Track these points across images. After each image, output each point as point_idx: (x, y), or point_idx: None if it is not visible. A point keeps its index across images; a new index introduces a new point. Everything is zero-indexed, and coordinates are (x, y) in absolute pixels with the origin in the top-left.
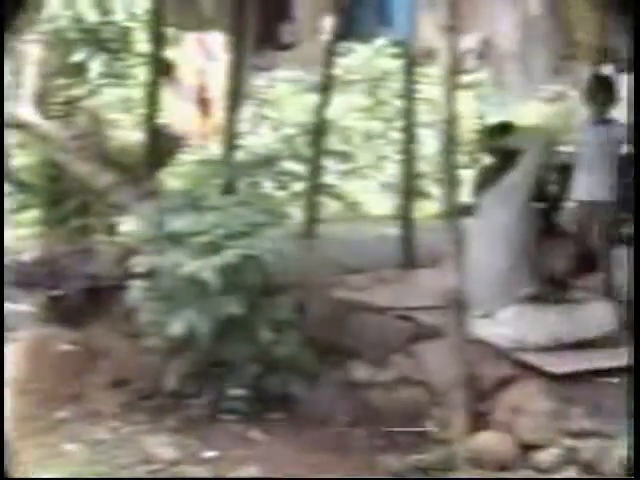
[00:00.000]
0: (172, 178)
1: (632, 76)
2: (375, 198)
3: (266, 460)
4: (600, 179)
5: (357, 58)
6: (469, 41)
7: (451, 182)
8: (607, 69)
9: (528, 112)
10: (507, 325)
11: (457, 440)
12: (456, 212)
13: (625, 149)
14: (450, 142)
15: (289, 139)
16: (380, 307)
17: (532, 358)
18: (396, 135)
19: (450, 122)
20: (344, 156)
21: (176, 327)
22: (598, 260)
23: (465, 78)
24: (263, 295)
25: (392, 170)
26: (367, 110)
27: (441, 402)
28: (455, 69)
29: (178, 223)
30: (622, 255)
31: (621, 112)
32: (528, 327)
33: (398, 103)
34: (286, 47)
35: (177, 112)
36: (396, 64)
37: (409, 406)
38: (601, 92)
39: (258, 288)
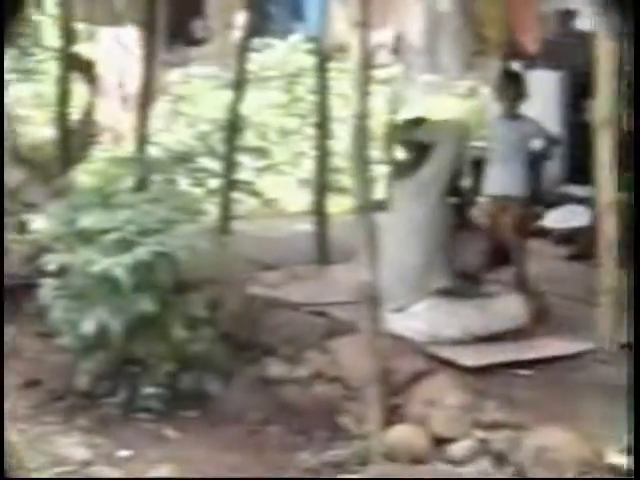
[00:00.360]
0: (85, 175)
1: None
2: (292, 194)
3: (181, 459)
4: (511, 174)
5: (273, 54)
6: (382, 36)
7: (364, 177)
8: (516, 65)
9: (442, 107)
10: (421, 319)
11: (372, 434)
12: (369, 207)
13: (536, 144)
14: (363, 137)
15: (204, 136)
16: (294, 303)
17: (446, 352)
18: (312, 131)
19: (362, 117)
20: (260, 152)
21: (88, 325)
22: (510, 254)
23: (379, 73)
24: (176, 292)
25: (308, 166)
26: (283, 106)
27: (356, 397)
28: (367, 64)
29: (89, 220)
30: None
31: (530, 107)
32: (442, 321)
33: (314, 99)
34: (198, 42)
35: (96, 108)
36: (311, 60)
37: (324, 402)
38: (511, 88)
39: (171, 285)
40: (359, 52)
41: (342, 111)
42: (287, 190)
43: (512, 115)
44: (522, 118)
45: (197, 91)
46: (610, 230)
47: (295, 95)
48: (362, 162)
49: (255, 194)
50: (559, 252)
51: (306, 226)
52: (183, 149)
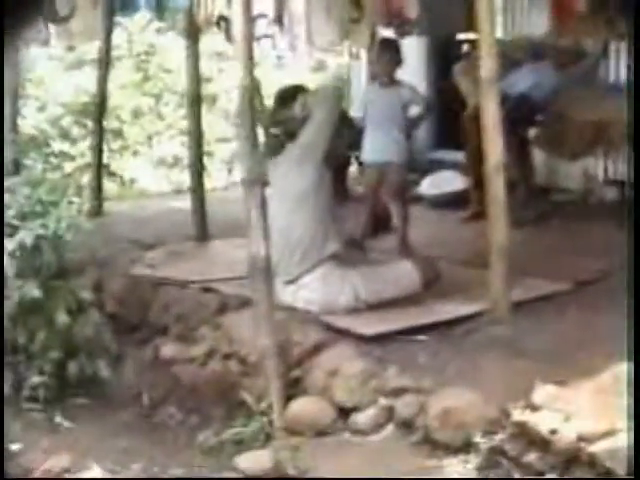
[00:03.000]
0: None
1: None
2: (149, 174)
3: (75, 448)
4: (390, 140)
5: (122, 33)
6: (262, 5)
7: (252, 149)
8: (390, 32)
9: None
10: (313, 289)
11: (273, 409)
12: (259, 179)
13: (414, 110)
14: (250, 108)
15: (56, 119)
16: (181, 281)
17: (341, 321)
18: (165, 110)
19: (249, 88)
20: (115, 134)
21: None
22: (390, 220)
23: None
24: (59, 277)
25: (164, 146)
26: (136, 86)
27: (254, 373)
28: (249, 34)
29: None
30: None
31: (405, 73)
32: (334, 291)
33: (166, 78)
34: (63, 20)
35: None
36: (165, 38)
37: (221, 379)
38: (387, 54)
39: (54, 269)
40: (241, 22)
41: (206, 88)
42: (144, 170)
43: (389, 81)
44: (399, 84)
45: (47, 73)
46: (498, 190)
47: (148, 74)
48: (250, 134)
49: (113, 175)
50: (437, 217)
51: (175, 203)
52: (36, 133)
